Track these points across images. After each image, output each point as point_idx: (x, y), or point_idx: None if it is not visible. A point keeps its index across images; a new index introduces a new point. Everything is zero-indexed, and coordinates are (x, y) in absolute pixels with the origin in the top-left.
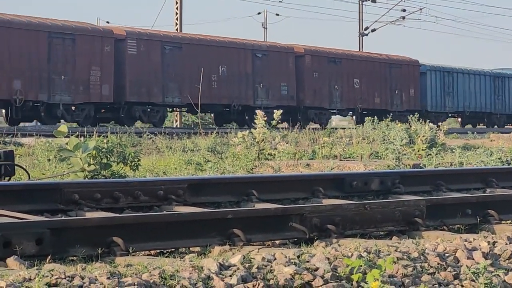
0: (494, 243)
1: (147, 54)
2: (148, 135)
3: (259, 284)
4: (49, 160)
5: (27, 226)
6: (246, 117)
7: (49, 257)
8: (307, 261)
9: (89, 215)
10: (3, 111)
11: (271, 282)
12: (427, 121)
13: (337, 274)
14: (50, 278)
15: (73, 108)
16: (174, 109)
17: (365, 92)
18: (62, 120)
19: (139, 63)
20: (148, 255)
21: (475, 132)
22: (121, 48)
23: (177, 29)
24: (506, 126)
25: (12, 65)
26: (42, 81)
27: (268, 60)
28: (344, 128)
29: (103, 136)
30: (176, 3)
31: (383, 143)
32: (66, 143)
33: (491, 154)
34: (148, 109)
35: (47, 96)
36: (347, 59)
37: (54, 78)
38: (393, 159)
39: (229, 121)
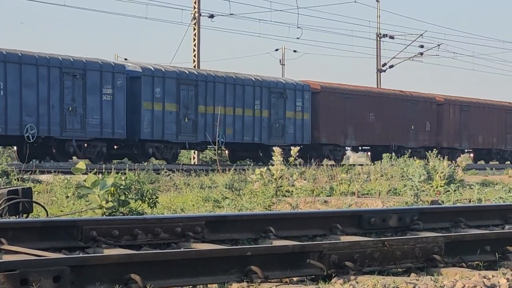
0: None
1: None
2: (166, 172)
3: None
4: (67, 197)
5: (45, 264)
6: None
7: None
8: None
9: (107, 252)
10: None
11: None
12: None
13: None
14: None
15: None
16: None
17: None
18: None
19: None
20: None
21: (494, 168)
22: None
23: (194, 66)
24: None
25: None
26: None
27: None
28: (361, 165)
29: (121, 173)
30: (194, 40)
31: (402, 179)
32: (84, 180)
33: (509, 191)
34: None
35: None
36: None
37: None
38: (411, 195)
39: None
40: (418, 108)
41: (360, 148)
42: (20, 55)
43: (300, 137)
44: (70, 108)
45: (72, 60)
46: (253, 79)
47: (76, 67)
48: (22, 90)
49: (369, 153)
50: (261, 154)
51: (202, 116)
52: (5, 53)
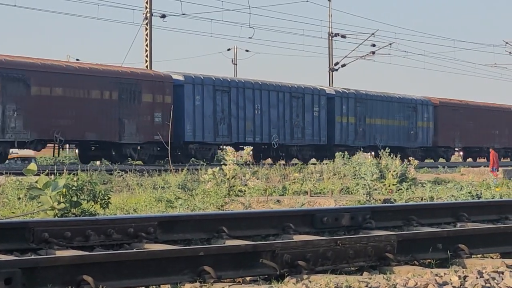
0: (465, 277)
1: None
2: (118, 172)
3: None
4: (19, 198)
5: None
6: None
7: None
8: None
9: (59, 253)
10: None
11: None
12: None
13: None
14: None
15: None
16: None
17: None
18: None
19: None
20: None
21: (446, 166)
22: None
23: (147, 66)
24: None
25: None
26: None
27: None
28: (314, 164)
29: (73, 174)
30: (146, 40)
31: (354, 178)
32: (36, 181)
33: (461, 188)
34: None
35: None
36: None
37: None
38: (364, 194)
39: None
40: (501, 117)
41: (456, 149)
42: (268, 84)
43: (426, 141)
44: (296, 122)
45: (296, 86)
46: (397, 97)
47: (299, 92)
48: (270, 109)
49: (461, 153)
50: (399, 154)
51: (367, 126)
52: (260, 83)
